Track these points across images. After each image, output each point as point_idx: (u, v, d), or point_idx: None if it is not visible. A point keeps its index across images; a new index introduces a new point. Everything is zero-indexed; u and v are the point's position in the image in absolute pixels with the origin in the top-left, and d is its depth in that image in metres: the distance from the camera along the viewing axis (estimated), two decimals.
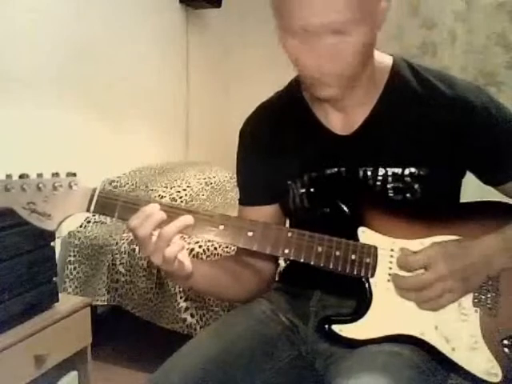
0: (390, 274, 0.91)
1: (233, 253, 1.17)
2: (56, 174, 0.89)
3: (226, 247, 1.99)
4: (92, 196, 0.88)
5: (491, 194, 1.02)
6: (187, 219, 0.87)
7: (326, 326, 0.91)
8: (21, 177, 0.88)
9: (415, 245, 0.92)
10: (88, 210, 0.89)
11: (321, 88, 0.93)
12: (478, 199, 0.98)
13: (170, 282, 2.05)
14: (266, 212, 1.08)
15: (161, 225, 0.85)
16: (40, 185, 0.87)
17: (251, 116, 1.12)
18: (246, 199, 1.12)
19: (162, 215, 0.86)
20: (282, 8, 0.84)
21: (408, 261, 0.90)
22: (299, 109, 1.03)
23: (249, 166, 1.11)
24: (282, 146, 1.05)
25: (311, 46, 0.85)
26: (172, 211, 0.87)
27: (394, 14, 3.18)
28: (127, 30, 2.66)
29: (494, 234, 0.92)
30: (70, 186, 0.88)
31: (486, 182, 1.01)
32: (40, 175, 0.88)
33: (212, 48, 3.39)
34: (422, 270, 0.89)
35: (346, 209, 0.93)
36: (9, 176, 0.87)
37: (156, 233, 0.86)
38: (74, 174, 0.90)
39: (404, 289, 0.90)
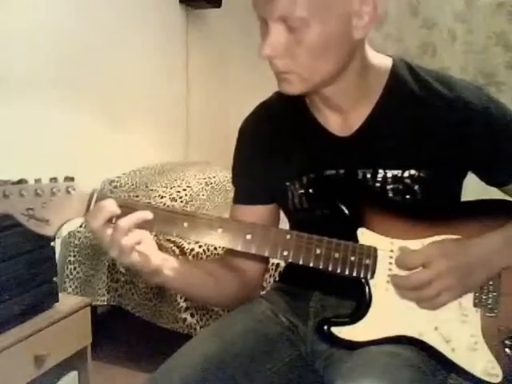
0: (389, 275, 0.91)
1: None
2: (54, 179, 0.89)
3: (222, 248, 1.99)
4: (90, 200, 0.89)
5: (492, 193, 1.02)
6: (144, 214, 0.88)
7: (325, 328, 0.91)
8: (19, 182, 0.87)
9: (415, 245, 0.91)
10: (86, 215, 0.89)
11: (281, 83, 0.93)
12: (479, 198, 0.98)
13: None
14: (261, 212, 1.08)
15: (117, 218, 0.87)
16: (38, 190, 0.87)
17: (251, 115, 1.12)
18: (242, 197, 1.11)
19: (113, 208, 0.87)
20: None
21: (406, 259, 0.90)
22: (298, 109, 1.03)
23: (247, 165, 1.11)
24: (280, 146, 1.05)
25: (269, 35, 0.87)
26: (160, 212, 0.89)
27: (394, 14, 3.18)
28: (127, 29, 2.66)
29: (495, 232, 0.92)
30: (68, 191, 0.88)
31: (489, 182, 1.01)
32: (38, 180, 0.88)
33: (212, 48, 3.39)
34: (420, 268, 0.89)
35: (345, 209, 0.93)
36: (6, 182, 0.87)
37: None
38: (72, 179, 0.89)
39: (403, 288, 0.90)
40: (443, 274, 0.87)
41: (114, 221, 0.87)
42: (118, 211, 0.87)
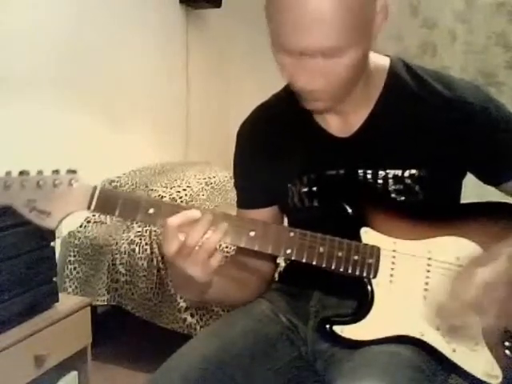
0: (391, 275, 0.91)
1: (232, 253, 1.17)
2: (56, 171, 0.87)
3: (226, 247, 1.99)
4: (93, 194, 0.87)
5: (490, 194, 1.02)
6: (225, 226, 0.85)
7: (327, 327, 0.91)
8: (20, 173, 0.86)
9: (418, 245, 0.91)
10: (89, 208, 0.87)
11: (310, 102, 0.93)
12: (478, 199, 0.97)
13: (170, 282, 2.05)
14: (264, 214, 1.08)
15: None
16: (40, 182, 0.86)
17: (249, 118, 1.11)
18: (245, 202, 1.11)
19: (210, 220, 0.84)
20: (278, 28, 0.84)
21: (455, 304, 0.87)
22: (297, 111, 1.02)
23: (246, 169, 1.11)
24: (280, 148, 1.04)
25: (304, 66, 0.85)
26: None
27: (394, 14, 3.18)
28: (127, 30, 2.66)
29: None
30: (71, 184, 0.87)
31: (486, 181, 1.01)
32: (40, 172, 0.87)
33: (212, 48, 3.39)
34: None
35: (348, 209, 0.93)
36: (8, 173, 0.86)
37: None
38: (75, 171, 0.88)
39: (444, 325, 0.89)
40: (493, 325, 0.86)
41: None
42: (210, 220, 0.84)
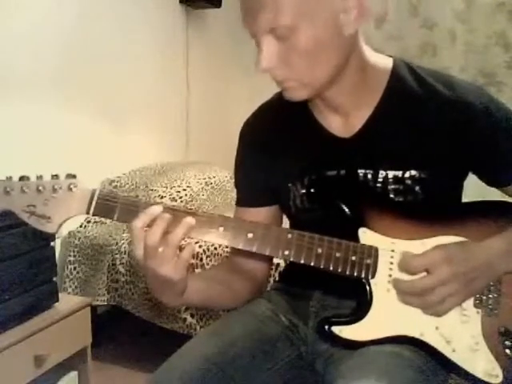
0: (390, 275, 0.91)
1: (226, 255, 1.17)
2: (55, 176, 0.88)
3: (226, 247, 1.99)
4: (91, 198, 0.88)
5: (491, 194, 1.02)
6: (190, 221, 0.85)
7: (326, 327, 0.91)
8: (21, 179, 0.87)
9: (416, 245, 0.91)
10: (87, 213, 0.88)
11: (284, 92, 0.95)
12: (479, 199, 0.97)
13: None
14: (264, 214, 1.08)
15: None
16: (40, 187, 0.86)
17: (251, 117, 1.12)
18: (245, 200, 1.11)
19: (168, 217, 0.84)
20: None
21: (410, 264, 0.89)
22: (299, 110, 1.03)
23: (248, 167, 1.11)
24: (282, 148, 1.05)
25: (260, 52, 0.88)
26: (172, 213, 0.86)
27: (394, 14, 3.18)
28: (127, 30, 2.66)
29: (497, 236, 0.91)
30: (70, 189, 0.88)
31: (489, 183, 1.01)
32: (40, 177, 0.88)
33: (212, 48, 3.39)
34: (423, 274, 0.88)
35: (346, 209, 0.93)
36: (9, 178, 0.87)
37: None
38: (74, 176, 0.89)
39: (405, 293, 0.89)
40: (447, 280, 0.86)
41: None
42: (169, 218, 0.84)
